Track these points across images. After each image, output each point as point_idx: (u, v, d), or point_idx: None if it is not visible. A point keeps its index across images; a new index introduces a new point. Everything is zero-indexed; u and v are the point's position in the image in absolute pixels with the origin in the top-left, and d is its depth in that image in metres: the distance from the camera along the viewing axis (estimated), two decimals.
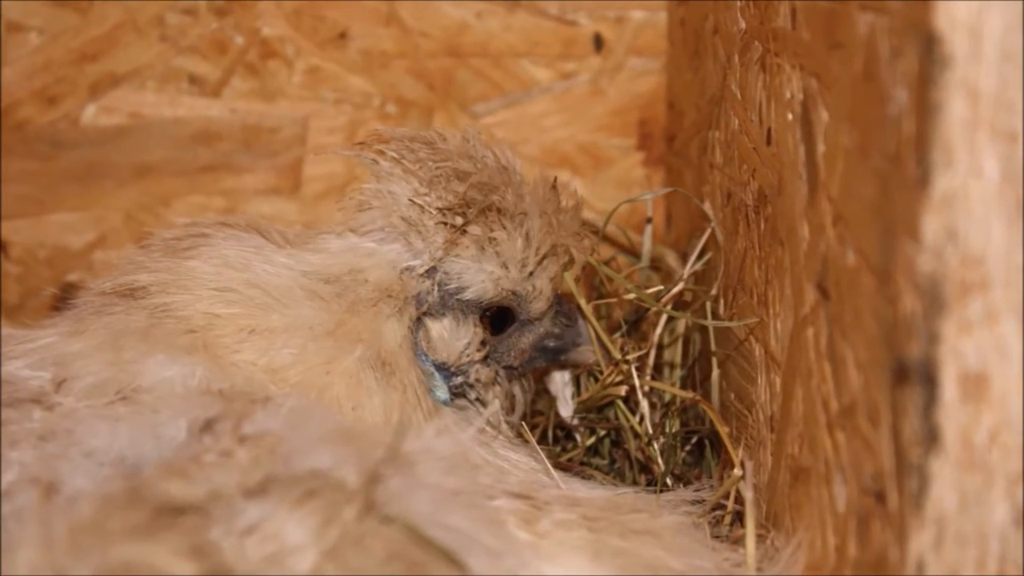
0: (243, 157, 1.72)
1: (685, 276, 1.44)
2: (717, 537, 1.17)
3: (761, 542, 1.11)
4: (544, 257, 1.34)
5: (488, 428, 1.31)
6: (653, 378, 1.46)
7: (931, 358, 0.82)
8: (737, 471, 1.20)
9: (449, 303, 1.32)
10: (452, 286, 1.31)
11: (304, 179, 1.74)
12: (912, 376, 0.83)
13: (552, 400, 1.52)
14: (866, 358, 0.91)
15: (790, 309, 1.12)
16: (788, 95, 1.11)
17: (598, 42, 1.74)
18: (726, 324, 1.35)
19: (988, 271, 0.81)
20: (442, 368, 1.33)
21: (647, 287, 1.52)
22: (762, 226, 1.22)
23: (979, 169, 0.80)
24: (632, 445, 1.42)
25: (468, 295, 1.31)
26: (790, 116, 1.10)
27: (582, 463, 1.48)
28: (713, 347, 1.41)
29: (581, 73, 1.75)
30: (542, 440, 1.50)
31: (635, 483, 1.43)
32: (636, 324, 1.55)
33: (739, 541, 1.15)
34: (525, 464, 1.27)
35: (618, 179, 1.79)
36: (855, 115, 0.92)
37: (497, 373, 1.38)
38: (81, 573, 0.83)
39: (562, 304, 1.42)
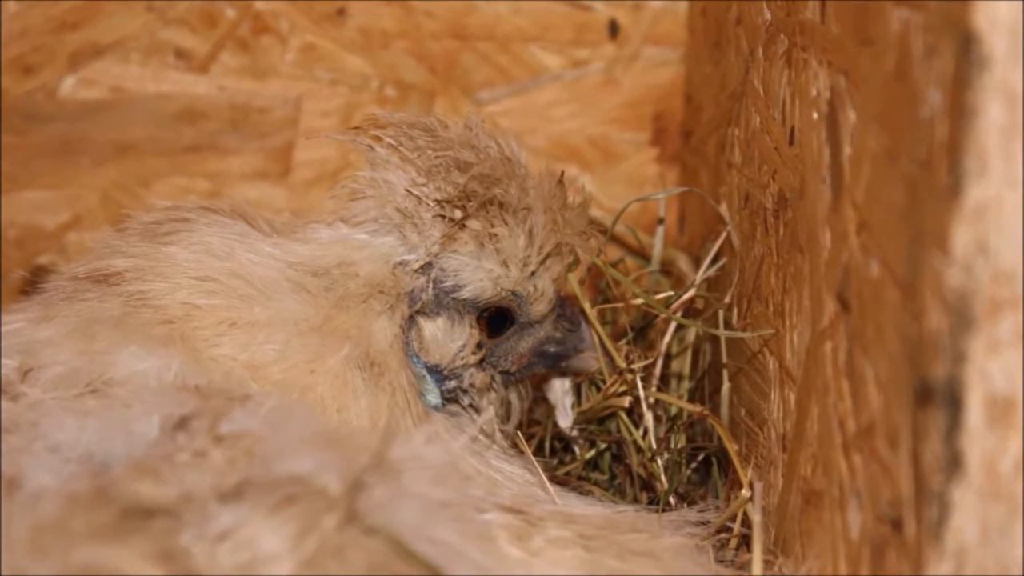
0: (230, 138, 1.72)
1: (697, 282, 1.44)
2: (721, 562, 1.17)
3: (768, 568, 1.12)
4: (547, 256, 1.34)
5: (481, 437, 1.31)
6: (659, 389, 1.46)
7: (956, 379, 0.82)
8: (745, 492, 1.20)
9: (444, 302, 1.32)
10: (448, 284, 1.31)
11: (294, 164, 1.74)
12: (936, 397, 0.83)
13: (550, 409, 1.52)
14: (887, 376, 0.91)
15: (808, 321, 1.12)
16: (814, 92, 1.11)
17: (613, 29, 1.74)
18: (739, 335, 1.35)
19: (1020, 288, 0.81)
20: (434, 371, 1.33)
21: (656, 292, 1.52)
22: (781, 231, 1.22)
23: (1015, 179, 0.80)
24: (634, 460, 1.42)
25: (465, 294, 1.31)
26: (815, 115, 1.10)
27: (580, 477, 1.48)
28: (724, 359, 1.41)
29: (594, 61, 1.75)
30: (538, 451, 1.51)
31: (636, 501, 1.43)
32: (643, 331, 1.55)
33: (745, 567, 1.15)
34: (519, 476, 1.27)
35: (629, 176, 1.79)
36: (885, 116, 0.92)
37: (493, 378, 1.38)
38: (42, 575, 0.83)
39: (564, 307, 1.42)
